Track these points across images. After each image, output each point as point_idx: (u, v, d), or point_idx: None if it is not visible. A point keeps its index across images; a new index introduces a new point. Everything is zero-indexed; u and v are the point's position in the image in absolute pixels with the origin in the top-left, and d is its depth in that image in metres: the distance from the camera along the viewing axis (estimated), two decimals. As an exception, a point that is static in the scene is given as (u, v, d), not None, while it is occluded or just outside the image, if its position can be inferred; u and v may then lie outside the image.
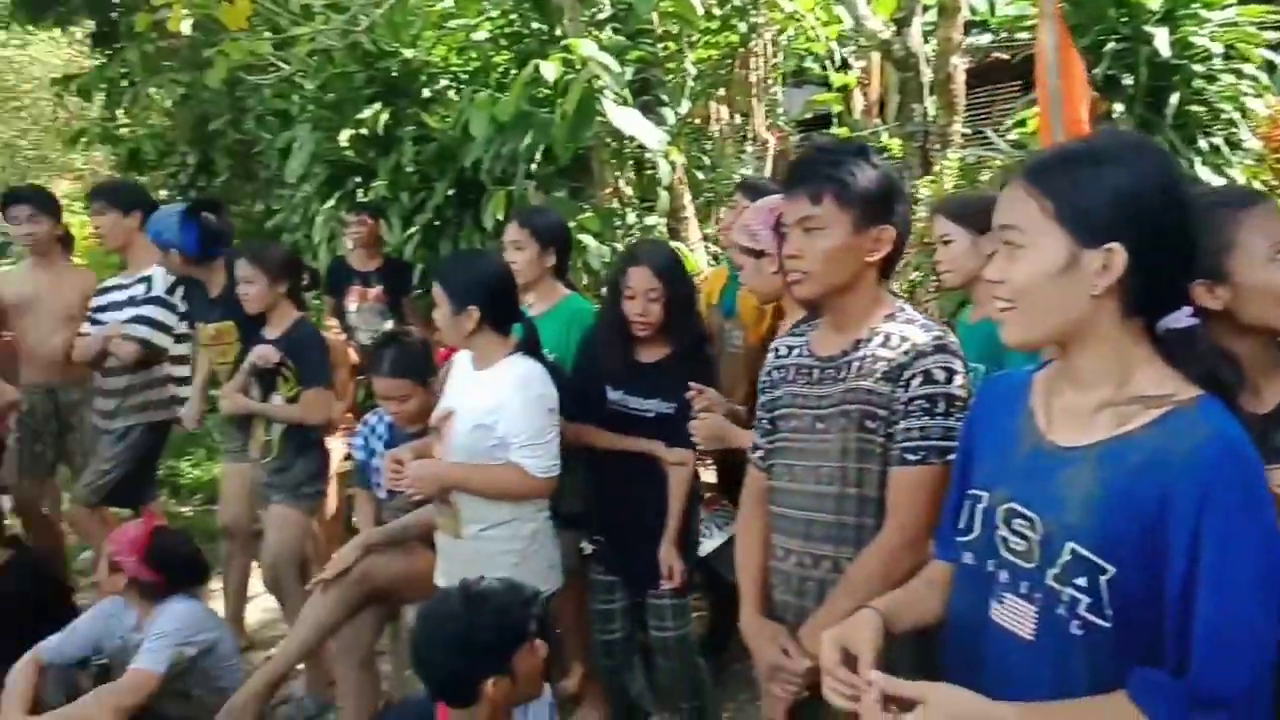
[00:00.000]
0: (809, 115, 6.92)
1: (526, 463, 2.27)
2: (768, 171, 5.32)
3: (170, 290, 3.74)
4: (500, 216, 4.08)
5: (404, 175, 4.74)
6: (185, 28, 4.26)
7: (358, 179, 5.15)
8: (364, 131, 4.71)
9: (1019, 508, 1.20)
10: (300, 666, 3.11)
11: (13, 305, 3.94)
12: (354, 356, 4.38)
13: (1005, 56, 6.54)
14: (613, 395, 2.60)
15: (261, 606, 3.96)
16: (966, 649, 1.27)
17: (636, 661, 2.82)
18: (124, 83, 6.88)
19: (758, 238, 2.23)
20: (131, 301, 3.71)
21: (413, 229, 4.69)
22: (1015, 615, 1.19)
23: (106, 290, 3.84)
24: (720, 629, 3.20)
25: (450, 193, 4.64)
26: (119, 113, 7.32)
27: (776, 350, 1.77)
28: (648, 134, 3.76)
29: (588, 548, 2.74)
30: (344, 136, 4.76)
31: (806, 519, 1.65)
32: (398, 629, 3.15)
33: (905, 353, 1.55)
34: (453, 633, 1.87)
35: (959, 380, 1.54)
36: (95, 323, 3.76)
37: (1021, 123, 4.70)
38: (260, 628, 3.92)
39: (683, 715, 2.70)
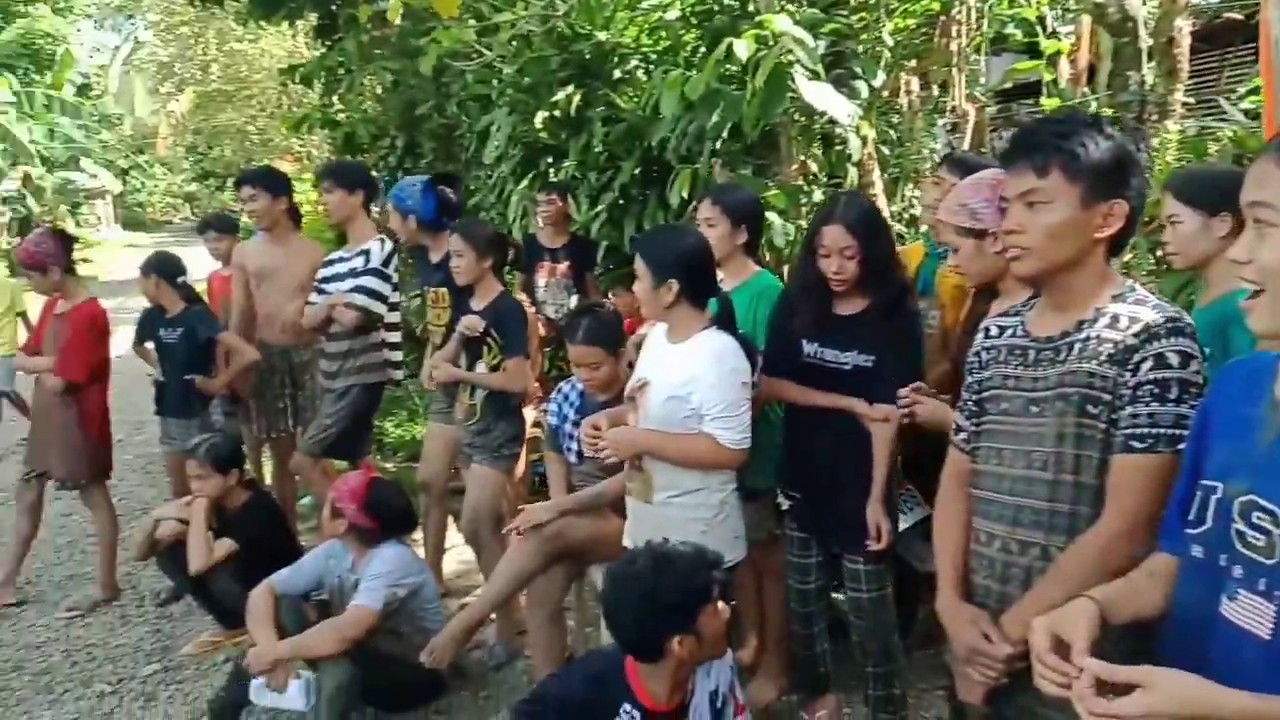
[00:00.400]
0: (1008, 85, 6.53)
1: (719, 434, 2.30)
2: (966, 144, 5.07)
3: (385, 262, 4.02)
4: (685, 194, 4.11)
5: (593, 155, 4.85)
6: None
7: (550, 159, 5.34)
8: (557, 113, 4.86)
9: (1259, 500, 1.13)
10: (493, 616, 3.33)
11: (253, 274, 4.40)
12: (542, 329, 4.58)
13: (1238, 16, 5.93)
14: (808, 349, 2.55)
15: (456, 558, 4.23)
16: (1191, 645, 1.21)
17: (823, 622, 2.79)
18: (341, 71, 7.43)
19: (979, 216, 2.10)
20: (352, 273, 4.01)
21: (599, 207, 4.81)
22: (1251, 613, 1.13)
23: (330, 263, 4.16)
24: (903, 615, 3.13)
25: (636, 171, 4.71)
26: (336, 99, 7.91)
27: (987, 330, 1.71)
28: (839, 108, 3.66)
29: (784, 503, 2.74)
30: (538, 119, 4.93)
31: (1015, 504, 1.59)
32: (582, 587, 3.31)
33: (1136, 334, 1.46)
34: (640, 592, 1.95)
35: (1195, 365, 1.44)
36: (321, 292, 4.08)
37: (1256, 90, 4.26)
38: (455, 577, 4.19)
39: (869, 682, 2.66)
